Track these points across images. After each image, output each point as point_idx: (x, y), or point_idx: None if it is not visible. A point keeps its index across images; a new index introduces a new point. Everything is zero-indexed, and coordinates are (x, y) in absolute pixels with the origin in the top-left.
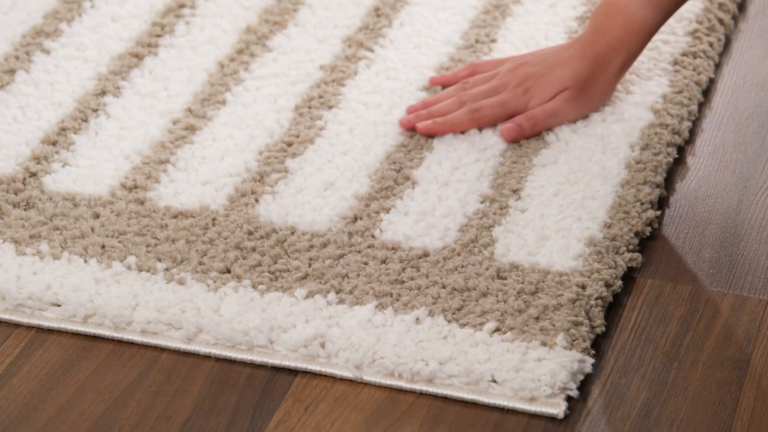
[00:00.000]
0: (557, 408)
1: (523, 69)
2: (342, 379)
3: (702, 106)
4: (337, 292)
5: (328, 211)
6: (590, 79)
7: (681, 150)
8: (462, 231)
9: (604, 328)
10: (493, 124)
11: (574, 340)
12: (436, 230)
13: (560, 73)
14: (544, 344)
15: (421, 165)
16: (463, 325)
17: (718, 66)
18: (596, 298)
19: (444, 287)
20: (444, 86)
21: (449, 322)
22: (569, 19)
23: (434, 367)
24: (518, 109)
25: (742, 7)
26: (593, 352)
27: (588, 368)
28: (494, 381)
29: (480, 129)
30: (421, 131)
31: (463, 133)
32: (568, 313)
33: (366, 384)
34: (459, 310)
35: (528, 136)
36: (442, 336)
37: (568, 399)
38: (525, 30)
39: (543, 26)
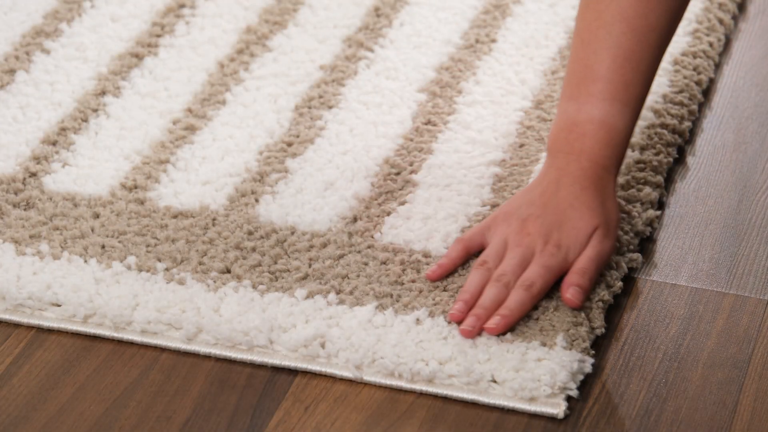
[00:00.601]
0: (557, 408)
1: (535, 226)
2: (342, 379)
3: (702, 106)
4: (337, 293)
5: (328, 212)
6: (604, 207)
7: (681, 150)
8: (461, 233)
9: (604, 329)
10: (546, 291)
11: (573, 341)
12: (438, 233)
13: (580, 215)
14: (543, 344)
15: (422, 167)
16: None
17: (718, 66)
18: (596, 299)
19: (445, 290)
20: (442, 277)
21: (449, 323)
22: (569, 19)
23: (434, 367)
24: (563, 267)
25: (742, 7)
26: (593, 352)
27: (588, 368)
28: (494, 381)
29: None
30: (494, 332)
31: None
32: (567, 313)
33: (366, 384)
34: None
35: (588, 293)
36: (442, 336)
37: (568, 399)
38: (525, 30)
39: (543, 26)
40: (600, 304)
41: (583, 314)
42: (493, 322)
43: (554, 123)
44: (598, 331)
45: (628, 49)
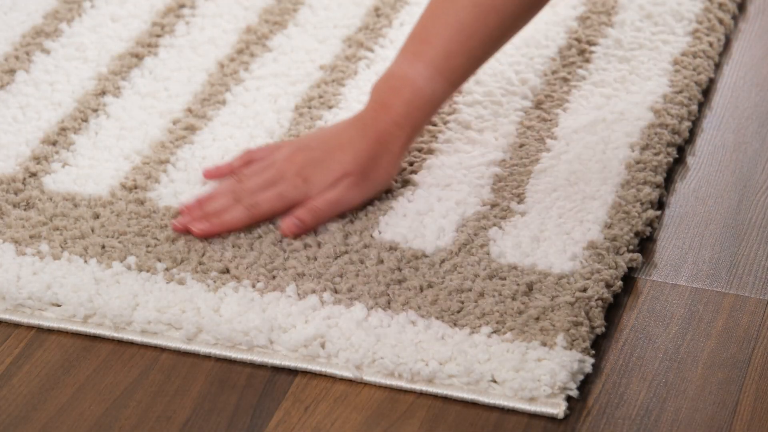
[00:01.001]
0: (557, 408)
1: (301, 155)
2: (342, 379)
3: (702, 106)
4: (335, 292)
5: None
6: (372, 160)
7: (681, 150)
8: (460, 232)
9: (604, 329)
10: (271, 217)
11: (574, 340)
12: (436, 232)
13: (340, 157)
14: (544, 344)
15: (421, 167)
16: (462, 326)
17: (718, 66)
18: (596, 299)
19: (442, 289)
20: (219, 178)
21: (448, 323)
22: (569, 19)
23: (434, 367)
24: (297, 200)
25: (742, 7)
26: (593, 352)
27: (588, 368)
28: (494, 381)
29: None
30: (196, 235)
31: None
32: (568, 313)
33: (366, 384)
34: (458, 312)
35: (311, 228)
36: (442, 336)
37: (568, 399)
38: (525, 30)
39: (543, 26)
40: (600, 303)
41: (583, 313)
42: (199, 226)
43: (384, 71)
44: (598, 331)
45: (464, 21)
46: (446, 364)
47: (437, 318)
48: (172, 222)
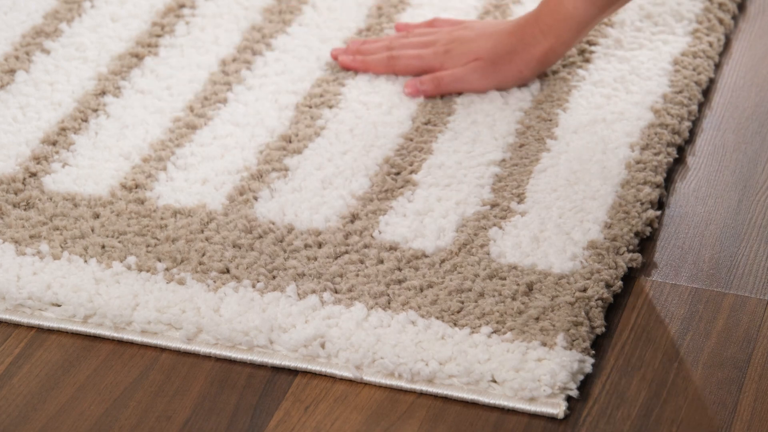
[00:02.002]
0: (557, 408)
1: (457, 32)
2: (342, 379)
3: (702, 106)
4: (335, 292)
5: (326, 211)
6: (508, 54)
7: (681, 150)
8: (460, 232)
9: (604, 329)
10: (406, 74)
11: (574, 341)
12: (436, 232)
13: (482, 42)
14: (544, 344)
15: (421, 167)
16: (462, 326)
17: (718, 66)
18: (596, 299)
19: (442, 288)
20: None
21: (448, 323)
22: None
23: (434, 367)
24: (432, 67)
25: (742, 7)
26: (593, 352)
27: (588, 368)
28: (494, 381)
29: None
30: (340, 64)
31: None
32: (568, 313)
33: (366, 384)
34: (458, 312)
35: (430, 95)
36: (442, 336)
37: (568, 399)
38: None
39: None
40: (600, 303)
41: (583, 313)
42: (344, 57)
43: None
44: (598, 331)
45: None
46: (446, 364)
47: (437, 318)
48: (331, 51)
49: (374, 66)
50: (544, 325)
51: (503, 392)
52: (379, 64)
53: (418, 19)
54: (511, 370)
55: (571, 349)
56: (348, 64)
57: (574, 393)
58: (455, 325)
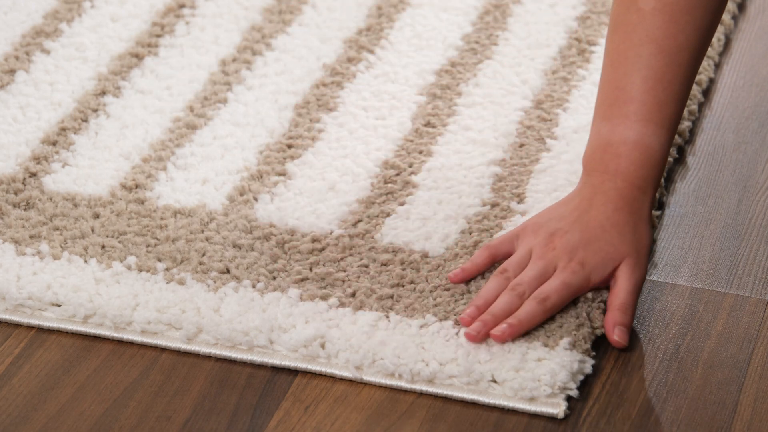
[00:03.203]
0: (557, 408)
1: (561, 241)
2: (342, 379)
3: (702, 106)
4: (338, 295)
5: (328, 214)
6: (634, 235)
7: (681, 150)
8: (461, 233)
9: (604, 330)
10: (560, 308)
11: (575, 342)
12: (437, 234)
13: (608, 237)
14: (545, 345)
15: (421, 169)
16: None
17: (718, 66)
18: (598, 301)
19: (447, 290)
20: (463, 281)
21: (451, 323)
22: (569, 19)
23: (435, 367)
24: (583, 287)
25: (742, 7)
26: (594, 353)
27: (588, 368)
28: (494, 381)
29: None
30: (499, 339)
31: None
32: (570, 313)
33: (366, 384)
34: (461, 313)
35: (631, 325)
36: (444, 338)
37: (568, 399)
38: (525, 30)
39: (543, 26)
40: (601, 305)
41: (584, 314)
42: (499, 329)
43: (589, 142)
44: (599, 332)
45: (659, 70)
46: (446, 365)
47: (441, 320)
48: (465, 333)
49: (534, 319)
50: (546, 325)
51: (503, 392)
52: (536, 315)
53: (418, 19)
54: (511, 370)
55: (572, 350)
56: (511, 333)
57: (574, 393)
58: (457, 324)
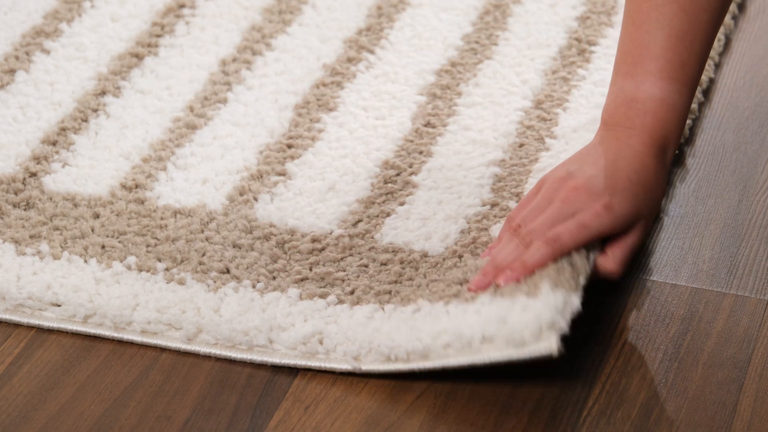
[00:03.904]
0: (548, 345)
1: (586, 183)
2: (342, 380)
3: (702, 106)
4: (337, 294)
5: (328, 214)
6: (655, 188)
7: (681, 150)
8: (461, 233)
9: (588, 272)
10: (575, 249)
11: (557, 283)
12: (437, 234)
13: (636, 190)
14: (527, 295)
15: (421, 169)
16: (456, 305)
17: (718, 66)
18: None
19: (444, 282)
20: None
21: (445, 305)
22: (569, 19)
23: (427, 342)
24: (601, 233)
25: (742, 7)
26: (581, 286)
27: (575, 302)
28: (486, 341)
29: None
30: (504, 284)
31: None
32: (549, 267)
33: (366, 384)
34: (455, 296)
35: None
36: (435, 316)
37: (569, 398)
38: (525, 30)
39: (543, 26)
40: (584, 252)
41: (565, 263)
42: (502, 278)
43: (610, 98)
44: (582, 272)
45: (681, 29)
46: (438, 337)
47: (432, 302)
48: (467, 287)
49: (541, 259)
50: (528, 279)
51: (495, 346)
52: (543, 255)
53: (418, 19)
54: (499, 323)
55: (554, 292)
56: (515, 276)
57: (564, 328)
58: (449, 303)
